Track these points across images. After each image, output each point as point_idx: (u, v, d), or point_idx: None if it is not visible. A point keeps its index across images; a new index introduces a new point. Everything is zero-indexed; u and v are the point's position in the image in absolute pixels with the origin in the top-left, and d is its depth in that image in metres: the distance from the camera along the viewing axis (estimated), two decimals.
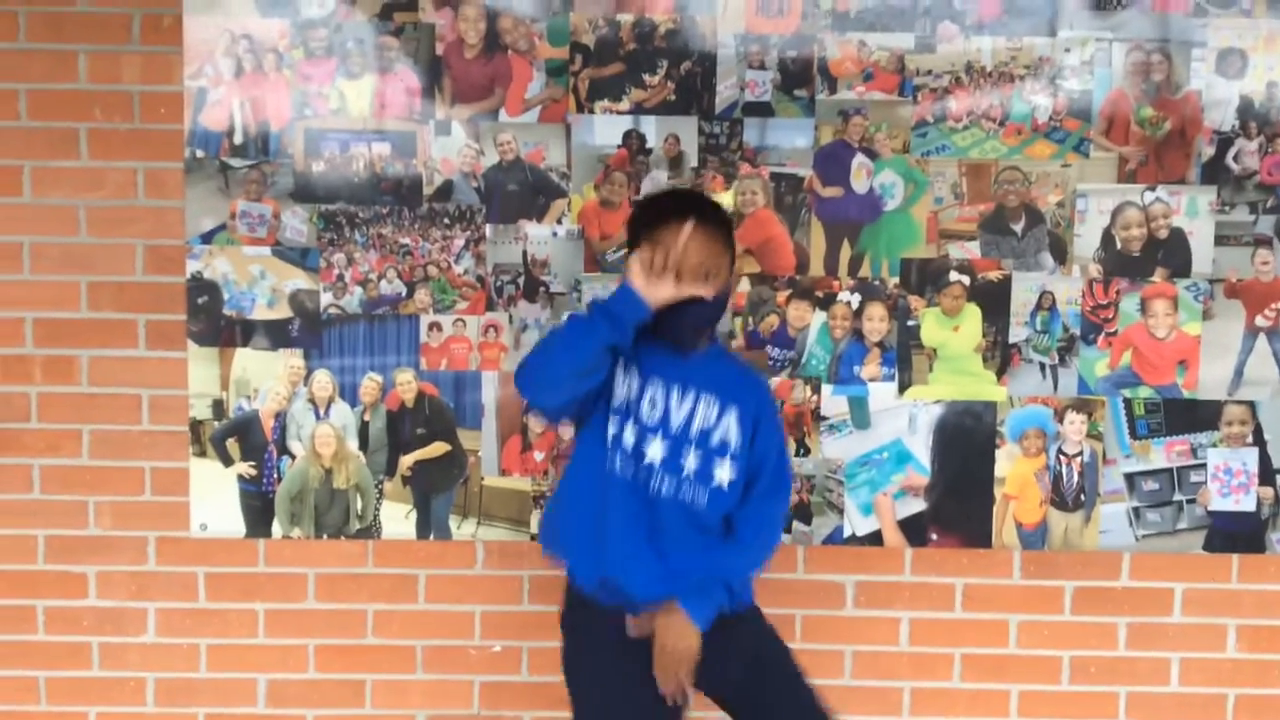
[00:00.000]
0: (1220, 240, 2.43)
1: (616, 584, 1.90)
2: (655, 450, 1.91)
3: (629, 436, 1.91)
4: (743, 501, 1.97)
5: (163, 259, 2.44)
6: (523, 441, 2.47)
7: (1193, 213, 2.43)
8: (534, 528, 2.48)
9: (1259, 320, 2.44)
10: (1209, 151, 2.42)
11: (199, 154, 2.41)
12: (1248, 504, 2.48)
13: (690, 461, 1.91)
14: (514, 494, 2.49)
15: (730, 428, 1.93)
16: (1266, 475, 2.47)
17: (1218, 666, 2.54)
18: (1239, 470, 2.48)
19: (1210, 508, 2.49)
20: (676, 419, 1.92)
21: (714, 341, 2.03)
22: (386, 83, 2.40)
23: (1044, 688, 2.54)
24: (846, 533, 2.49)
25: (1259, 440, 2.47)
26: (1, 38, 2.38)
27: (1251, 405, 2.46)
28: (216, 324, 2.45)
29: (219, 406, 2.46)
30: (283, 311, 2.45)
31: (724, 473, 1.93)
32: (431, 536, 2.50)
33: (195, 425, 2.47)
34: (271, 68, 2.40)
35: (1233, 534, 2.49)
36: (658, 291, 1.82)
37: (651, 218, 1.92)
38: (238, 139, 2.41)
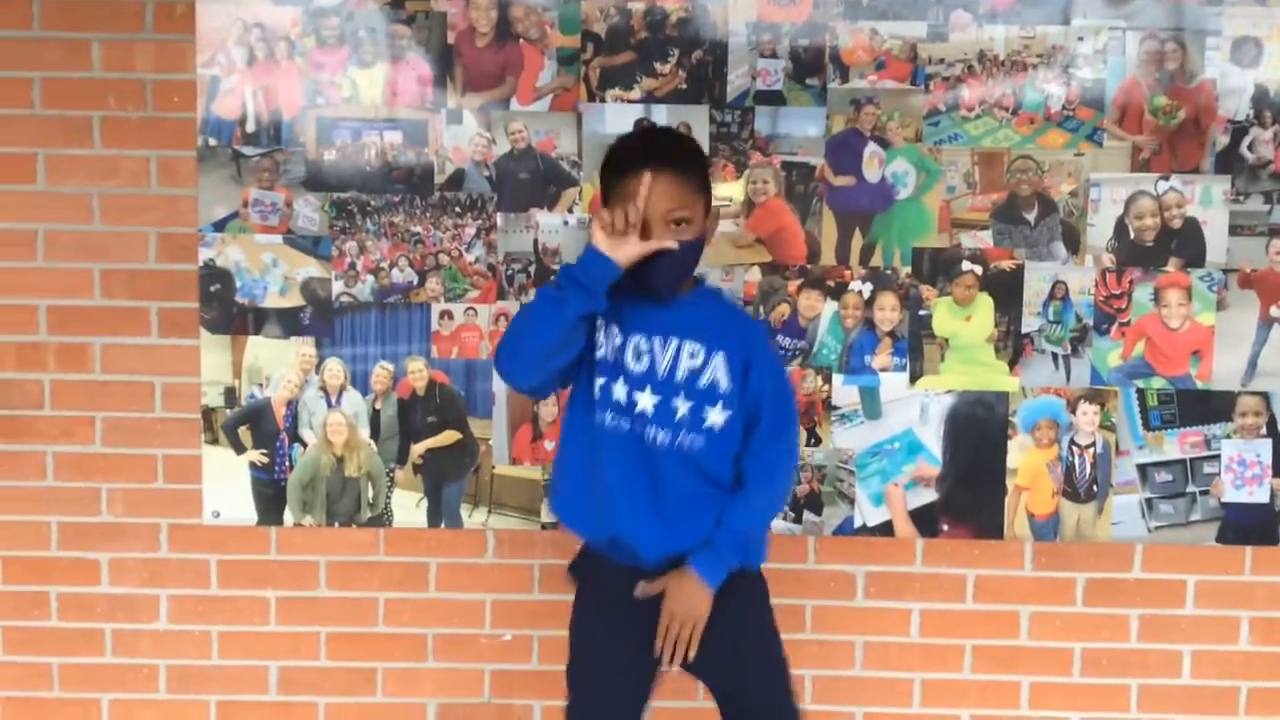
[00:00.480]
0: (1234, 230, 2.42)
1: (624, 542, 1.88)
2: (646, 401, 1.86)
3: (619, 391, 1.87)
4: (748, 447, 1.91)
5: (175, 247, 2.45)
6: (533, 430, 2.48)
7: (1207, 202, 2.42)
8: (545, 516, 2.49)
9: (1273, 310, 2.43)
10: (1223, 140, 2.41)
11: (212, 142, 2.42)
12: (1261, 496, 2.47)
13: (681, 408, 1.87)
14: (525, 483, 2.49)
15: (718, 371, 1.88)
16: None
17: (1230, 659, 2.53)
18: (1253, 462, 2.46)
19: (1223, 499, 2.48)
20: (662, 367, 1.87)
21: (700, 284, 1.97)
22: (398, 71, 2.41)
23: (1055, 679, 2.53)
24: (857, 523, 2.49)
25: (1273, 431, 2.45)
26: (15, 26, 2.39)
27: (1265, 396, 2.44)
28: (229, 312, 2.46)
29: (231, 394, 2.47)
30: (295, 299, 2.45)
31: (716, 416, 1.88)
32: (442, 525, 2.50)
33: (207, 413, 2.48)
34: (284, 56, 2.40)
35: (1246, 526, 2.48)
36: (623, 250, 1.76)
37: (615, 167, 1.85)
38: (250, 127, 2.42)
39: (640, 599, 1.87)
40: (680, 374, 1.88)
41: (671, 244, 1.80)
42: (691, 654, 1.87)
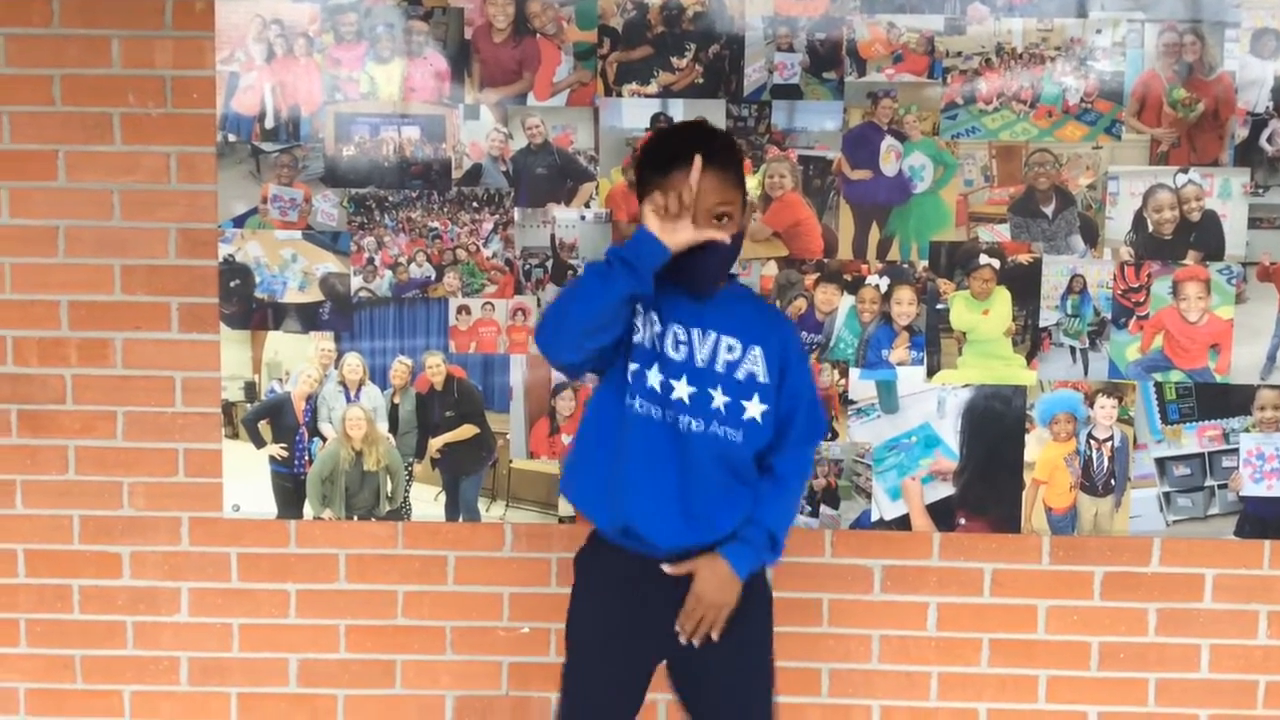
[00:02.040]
0: (1254, 223, 2.41)
1: (637, 532, 1.88)
2: (682, 389, 1.87)
3: (653, 378, 1.87)
4: (779, 447, 1.93)
5: (195, 242, 2.47)
6: (551, 424, 2.48)
7: (1226, 195, 2.40)
8: (562, 510, 2.49)
9: None
10: (1242, 133, 2.39)
11: (231, 138, 2.43)
12: None
13: (719, 398, 1.88)
14: (542, 476, 2.50)
15: (757, 364, 1.90)
16: None
17: (1248, 653, 2.52)
18: (1271, 455, 2.46)
19: (1242, 493, 2.47)
20: (701, 357, 1.88)
21: (733, 280, 1.99)
22: (415, 67, 2.42)
23: (1073, 673, 2.53)
24: (874, 517, 2.49)
25: None
26: (36, 24, 2.41)
27: None
28: (248, 307, 2.47)
29: (251, 389, 2.49)
30: (314, 295, 2.47)
31: (754, 409, 1.89)
32: (460, 518, 2.51)
33: (228, 407, 2.49)
34: (302, 52, 2.41)
35: (1265, 520, 2.47)
36: (676, 236, 1.76)
37: (661, 159, 1.86)
38: (269, 123, 2.43)
39: (655, 584, 1.87)
40: (719, 365, 1.89)
41: (724, 236, 1.81)
42: (715, 636, 1.88)
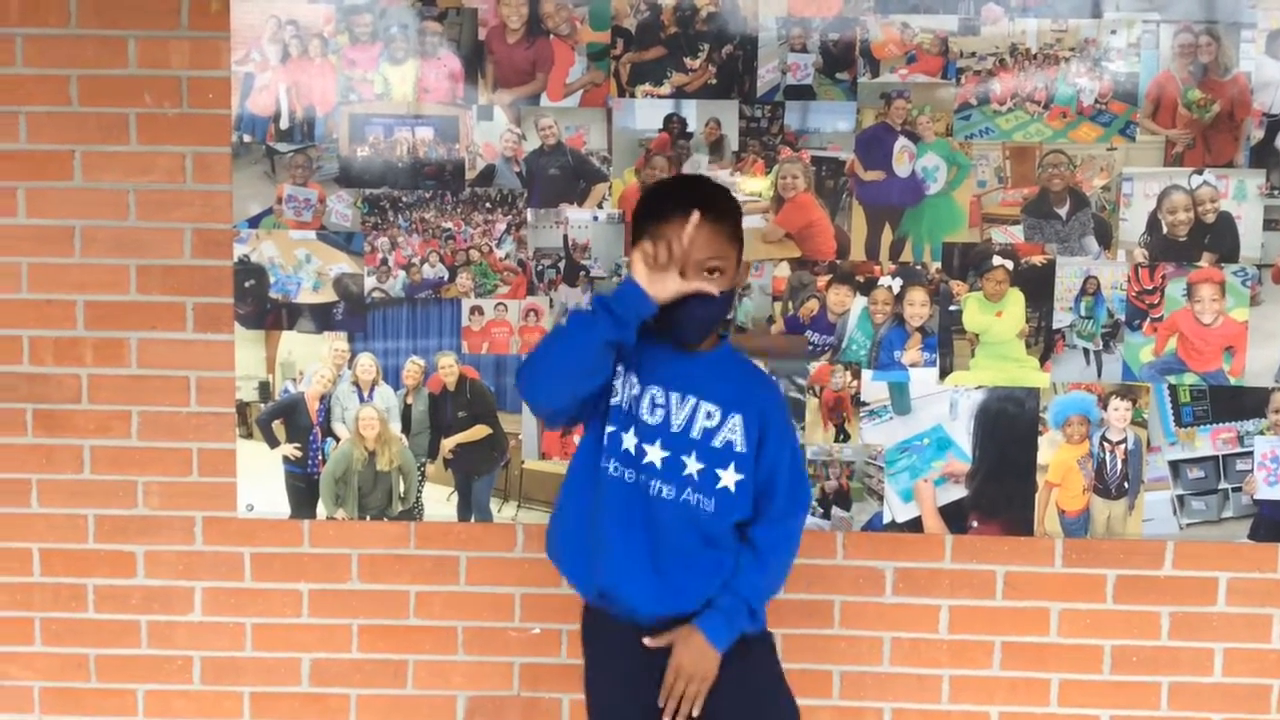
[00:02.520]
0: (1269, 225, 2.41)
1: (614, 595, 1.87)
2: (655, 454, 1.85)
3: (628, 441, 1.86)
4: (759, 520, 1.90)
5: (210, 243, 2.48)
6: None
7: (1241, 196, 2.40)
8: None
9: None
10: (1258, 134, 2.39)
11: (246, 139, 2.45)
12: None
13: (692, 465, 1.86)
14: (554, 477, 2.50)
15: (735, 432, 1.87)
16: None
17: (1263, 657, 2.52)
18: None
19: (1256, 496, 2.47)
20: (677, 422, 1.86)
21: (723, 339, 1.97)
22: (430, 67, 2.43)
23: (1085, 677, 2.53)
24: (886, 519, 2.49)
25: None
26: (53, 24, 2.43)
27: None
28: (263, 307, 2.48)
29: (265, 389, 2.50)
30: (328, 295, 2.48)
31: (729, 478, 1.87)
32: (472, 519, 2.52)
33: (242, 407, 2.51)
34: (317, 53, 2.43)
35: (1279, 523, 2.47)
36: (662, 287, 1.74)
37: (655, 209, 1.84)
38: (284, 124, 2.44)
39: (643, 655, 1.86)
40: (695, 432, 1.87)
41: (711, 288, 1.79)
42: (695, 712, 1.85)
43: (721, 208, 1.85)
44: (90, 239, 2.48)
